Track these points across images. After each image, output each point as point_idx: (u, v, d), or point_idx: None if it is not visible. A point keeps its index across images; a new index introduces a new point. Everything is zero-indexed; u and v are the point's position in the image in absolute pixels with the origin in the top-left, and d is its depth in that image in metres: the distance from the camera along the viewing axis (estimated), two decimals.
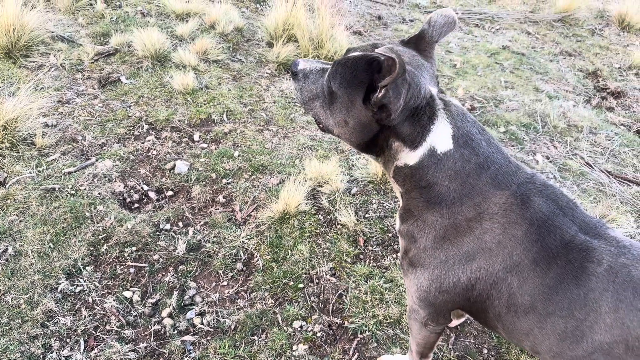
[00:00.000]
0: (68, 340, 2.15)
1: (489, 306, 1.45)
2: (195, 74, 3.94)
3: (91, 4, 4.71)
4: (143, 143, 3.27)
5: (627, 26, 6.36)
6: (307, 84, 1.61)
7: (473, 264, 1.43)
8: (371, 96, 1.38)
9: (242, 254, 2.58)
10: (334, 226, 2.76)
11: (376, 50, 1.33)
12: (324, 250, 2.62)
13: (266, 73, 4.19)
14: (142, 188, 2.95)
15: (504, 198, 1.40)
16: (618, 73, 5.36)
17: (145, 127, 3.40)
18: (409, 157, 1.47)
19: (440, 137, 1.44)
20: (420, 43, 1.53)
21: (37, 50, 3.94)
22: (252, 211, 2.83)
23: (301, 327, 2.26)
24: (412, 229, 1.55)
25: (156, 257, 2.55)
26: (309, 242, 2.65)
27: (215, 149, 3.27)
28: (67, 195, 2.79)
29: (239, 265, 2.52)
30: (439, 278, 1.50)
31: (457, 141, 1.43)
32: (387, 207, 2.92)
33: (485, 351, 2.24)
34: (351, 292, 2.41)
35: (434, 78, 1.52)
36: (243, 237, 2.66)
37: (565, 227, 1.36)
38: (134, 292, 2.38)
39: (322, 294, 2.41)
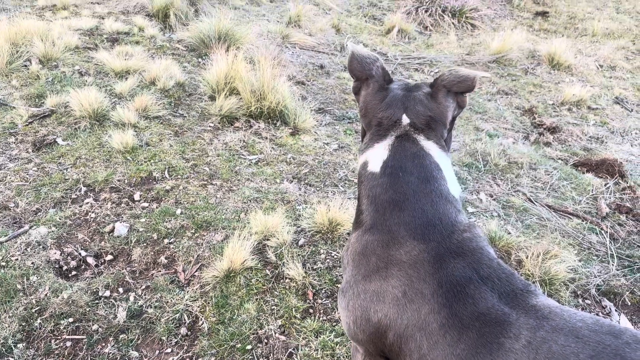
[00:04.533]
0: None
1: None
2: (135, 131, 3.86)
3: (26, 66, 4.60)
4: (81, 206, 3.14)
5: (556, 65, 6.71)
6: None
7: (383, 308, 1.38)
8: None
9: (186, 318, 2.47)
10: (281, 281, 2.69)
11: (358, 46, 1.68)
12: (272, 307, 2.53)
13: (209, 126, 4.16)
14: (79, 254, 2.81)
15: (417, 250, 1.37)
16: (552, 109, 5.61)
17: (83, 189, 3.28)
18: (359, 158, 1.63)
19: (374, 156, 1.55)
20: (434, 85, 1.62)
21: None
22: (196, 271, 2.74)
23: None
24: (344, 251, 1.58)
25: (95, 327, 2.41)
26: (257, 299, 2.57)
27: (156, 207, 3.17)
28: None
29: (183, 330, 2.41)
30: (354, 311, 1.46)
31: (385, 168, 1.51)
32: (335, 256, 2.88)
33: None
34: (301, 350, 2.33)
35: (421, 115, 1.58)
36: (187, 300, 2.55)
37: (479, 297, 1.28)
38: None
39: (271, 354, 2.32)
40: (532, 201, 3.69)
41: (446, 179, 1.52)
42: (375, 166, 1.53)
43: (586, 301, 2.75)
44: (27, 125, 3.84)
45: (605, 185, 4.01)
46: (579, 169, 4.35)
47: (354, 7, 8.17)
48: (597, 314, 2.65)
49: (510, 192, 3.79)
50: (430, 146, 1.55)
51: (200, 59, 5.50)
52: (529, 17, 8.58)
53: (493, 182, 3.92)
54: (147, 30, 5.84)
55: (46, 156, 3.54)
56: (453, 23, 7.62)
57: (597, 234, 3.37)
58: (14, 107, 4.01)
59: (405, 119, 1.57)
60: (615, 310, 2.70)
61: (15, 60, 4.58)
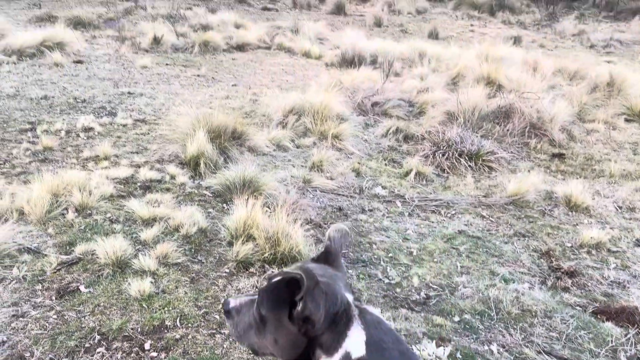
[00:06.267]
0: None
1: None
2: (154, 278, 4.05)
3: (63, 214, 4.98)
4: (92, 355, 3.24)
5: (574, 206, 6.78)
6: (241, 318, 1.76)
7: None
8: (293, 312, 1.53)
9: None
10: None
11: (284, 270, 1.53)
12: None
13: (225, 272, 4.33)
14: None
15: None
16: (570, 252, 5.60)
17: (97, 337, 3.40)
18: (334, 355, 1.57)
19: (355, 342, 1.55)
20: (328, 257, 1.73)
21: (1, 263, 4.08)
22: None
23: None
24: None
25: None
26: None
27: (164, 358, 3.24)
28: None
29: None
30: None
31: (369, 347, 1.53)
32: None
33: None
34: None
35: (348, 286, 1.68)
36: None
37: None
38: None
39: None
40: (545, 353, 3.59)
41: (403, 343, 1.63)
42: (359, 351, 1.53)
43: None
44: (54, 272, 4.09)
45: (625, 335, 3.90)
46: (599, 317, 4.25)
47: (375, 151, 8.63)
48: None
49: (523, 343, 3.72)
50: (376, 312, 1.68)
51: (225, 205, 5.83)
52: (546, 158, 8.83)
53: (506, 331, 3.86)
54: (178, 178, 6.29)
55: (67, 304, 3.72)
56: (470, 166, 7.92)
57: None
58: (45, 255, 4.29)
59: (350, 297, 1.63)
60: None
61: (54, 209, 4.97)
